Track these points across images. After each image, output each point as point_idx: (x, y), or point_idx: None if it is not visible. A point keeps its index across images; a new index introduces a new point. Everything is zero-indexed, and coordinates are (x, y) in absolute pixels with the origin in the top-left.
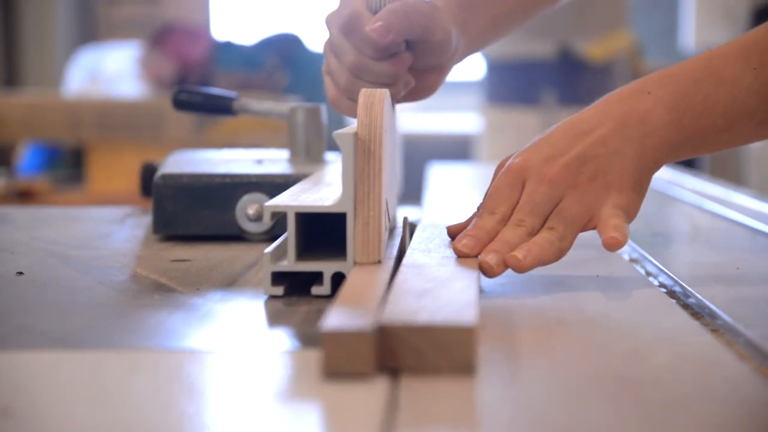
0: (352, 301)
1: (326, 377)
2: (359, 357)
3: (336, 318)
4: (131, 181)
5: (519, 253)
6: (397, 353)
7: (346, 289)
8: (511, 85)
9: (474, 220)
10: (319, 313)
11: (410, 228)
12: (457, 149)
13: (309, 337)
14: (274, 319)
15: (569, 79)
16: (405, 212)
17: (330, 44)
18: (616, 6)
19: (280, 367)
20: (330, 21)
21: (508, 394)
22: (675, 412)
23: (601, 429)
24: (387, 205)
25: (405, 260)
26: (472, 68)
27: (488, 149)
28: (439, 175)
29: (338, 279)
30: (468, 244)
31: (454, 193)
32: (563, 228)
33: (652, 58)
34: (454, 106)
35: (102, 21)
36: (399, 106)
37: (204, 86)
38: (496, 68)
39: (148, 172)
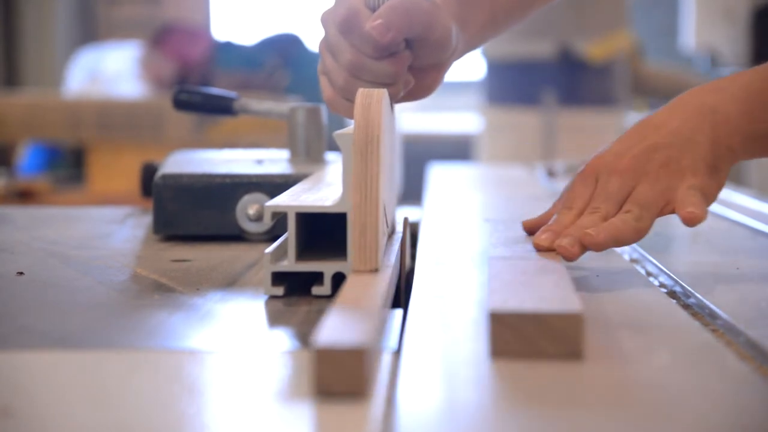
0: (348, 311)
1: (318, 395)
2: (353, 374)
3: (329, 333)
4: (131, 181)
5: (592, 230)
6: (506, 339)
7: (340, 299)
8: (511, 85)
9: (553, 217)
10: (320, 313)
11: (411, 229)
12: (457, 149)
13: (309, 337)
14: (274, 319)
15: (569, 79)
16: (405, 212)
17: (326, 43)
18: (616, 6)
19: (280, 367)
20: (326, 19)
21: (517, 389)
22: (675, 412)
23: (601, 429)
24: (385, 210)
25: (491, 253)
26: (472, 68)
27: (488, 149)
28: (439, 175)
29: (339, 279)
30: (548, 237)
31: (454, 193)
32: (639, 210)
33: (652, 58)
34: (454, 106)
35: (102, 21)
36: (398, 106)
37: (204, 86)
38: (496, 68)
39: (148, 172)
